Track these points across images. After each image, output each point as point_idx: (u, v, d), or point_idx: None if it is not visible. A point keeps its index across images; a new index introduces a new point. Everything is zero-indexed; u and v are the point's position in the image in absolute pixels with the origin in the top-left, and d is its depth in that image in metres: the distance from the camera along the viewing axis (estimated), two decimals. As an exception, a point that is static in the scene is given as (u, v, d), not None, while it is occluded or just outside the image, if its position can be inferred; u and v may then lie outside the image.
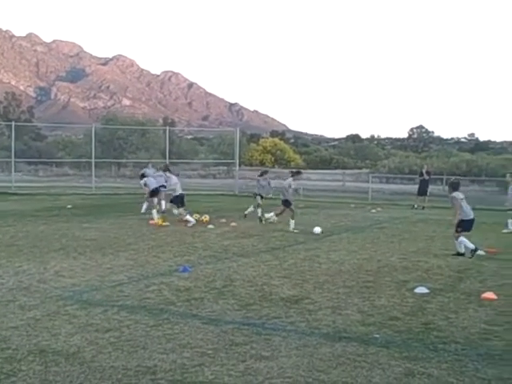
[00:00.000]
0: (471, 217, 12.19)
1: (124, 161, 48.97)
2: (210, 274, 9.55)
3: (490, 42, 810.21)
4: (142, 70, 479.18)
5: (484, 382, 5.00)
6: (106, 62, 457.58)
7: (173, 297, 7.89)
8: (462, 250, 11.99)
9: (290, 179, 16.98)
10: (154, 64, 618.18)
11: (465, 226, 12.12)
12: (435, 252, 12.49)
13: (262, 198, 18.93)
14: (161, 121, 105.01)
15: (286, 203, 16.64)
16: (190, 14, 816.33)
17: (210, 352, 5.62)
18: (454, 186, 12.51)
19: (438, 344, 6.04)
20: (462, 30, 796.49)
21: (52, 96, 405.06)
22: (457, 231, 12.13)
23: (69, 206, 21.81)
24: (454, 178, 18.30)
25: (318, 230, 15.57)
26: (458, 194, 12.24)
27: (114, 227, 15.69)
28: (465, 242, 11.96)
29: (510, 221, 17.05)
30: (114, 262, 10.48)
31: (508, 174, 18.22)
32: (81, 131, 66.95)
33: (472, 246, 11.81)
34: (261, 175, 19.64)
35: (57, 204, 23.32)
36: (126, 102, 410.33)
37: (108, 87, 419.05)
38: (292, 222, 16.13)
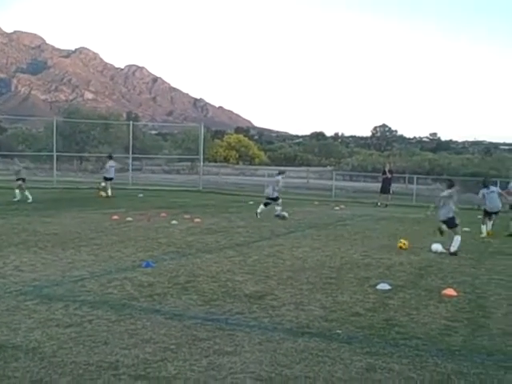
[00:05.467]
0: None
1: (86, 155, 48.35)
2: (173, 269, 9.50)
3: (451, 42, 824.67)
4: (106, 63, 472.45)
5: (444, 377, 5.09)
6: (68, 54, 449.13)
7: (135, 292, 7.82)
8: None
9: (279, 177, 19.04)
10: (117, 57, 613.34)
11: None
12: (397, 249, 12.65)
13: (278, 199, 18.80)
14: (124, 115, 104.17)
15: (276, 199, 18.70)
16: (154, 8, 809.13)
17: (172, 347, 5.59)
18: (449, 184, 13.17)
19: (400, 340, 6.12)
20: (425, 30, 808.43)
21: (12, 88, 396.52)
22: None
23: (29, 200, 21.41)
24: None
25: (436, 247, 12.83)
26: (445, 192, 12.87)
27: (75, 222, 15.47)
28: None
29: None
30: (75, 256, 10.34)
31: None
32: (42, 124, 65.66)
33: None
34: (279, 174, 19.61)
35: (17, 198, 22.84)
36: (89, 95, 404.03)
37: (70, 80, 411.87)
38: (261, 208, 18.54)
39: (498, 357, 5.69)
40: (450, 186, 12.92)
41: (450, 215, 12.47)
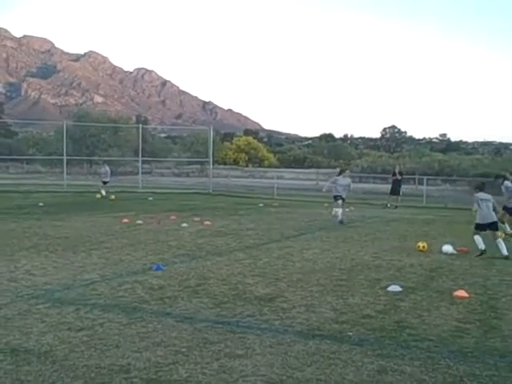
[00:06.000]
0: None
1: (96, 158, 48.54)
2: (183, 272, 9.51)
3: (459, 42, 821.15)
4: (115, 66, 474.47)
5: (456, 379, 5.06)
6: (77, 58, 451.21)
7: (146, 295, 7.83)
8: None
9: (348, 178, 18.80)
10: (126, 61, 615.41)
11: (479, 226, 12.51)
12: (408, 251, 12.61)
13: (343, 200, 18.29)
14: (134, 118, 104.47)
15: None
16: (163, 11, 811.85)
17: (183, 350, 5.60)
18: (480, 187, 12.87)
19: (411, 342, 6.09)
20: (433, 31, 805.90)
21: (22, 92, 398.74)
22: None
23: (40, 204, 21.55)
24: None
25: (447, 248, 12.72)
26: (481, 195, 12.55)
27: (86, 225, 15.54)
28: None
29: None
30: (86, 260, 10.38)
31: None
32: (52, 128, 66.01)
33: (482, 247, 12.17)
34: (339, 174, 19.12)
35: (28, 202, 23.02)
36: (98, 99, 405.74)
37: (80, 84, 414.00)
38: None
39: (511, 358, 5.65)
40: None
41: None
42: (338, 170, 21.89)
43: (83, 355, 5.39)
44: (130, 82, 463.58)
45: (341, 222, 17.76)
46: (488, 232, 12.40)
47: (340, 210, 17.97)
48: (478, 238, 12.31)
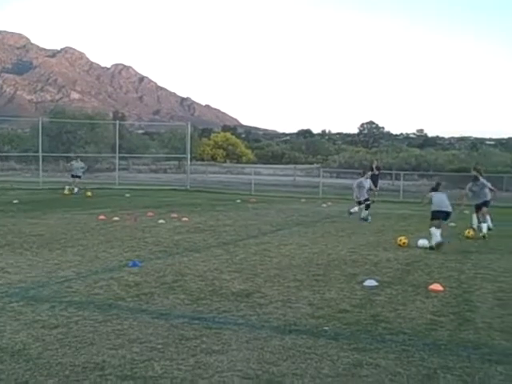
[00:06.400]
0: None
1: (73, 155, 48.06)
2: (160, 268, 9.47)
3: (436, 38, 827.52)
4: (92, 62, 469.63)
5: (430, 371, 5.11)
6: (53, 54, 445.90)
7: (122, 292, 7.78)
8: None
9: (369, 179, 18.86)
10: (104, 57, 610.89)
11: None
12: (384, 245, 12.71)
13: (362, 203, 18.17)
14: (111, 115, 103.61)
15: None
16: (141, 6, 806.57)
17: (159, 347, 5.57)
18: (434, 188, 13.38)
19: (386, 335, 6.14)
20: (409, 27, 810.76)
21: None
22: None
23: (15, 201, 21.28)
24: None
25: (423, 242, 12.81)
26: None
27: (61, 222, 15.39)
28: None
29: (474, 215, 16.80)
30: (61, 257, 10.28)
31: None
32: (27, 125, 65.32)
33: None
34: (363, 174, 18.95)
35: (2, 199, 22.71)
36: (75, 95, 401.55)
37: (56, 80, 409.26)
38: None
39: (484, 350, 5.73)
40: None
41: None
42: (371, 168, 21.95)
43: (57, 353, 5.34)
44: (107, 78, 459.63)
45: (365, 220, 17.92)
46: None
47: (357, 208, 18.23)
48: (435, 232, 12.45)
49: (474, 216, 15.62)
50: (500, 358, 5.53)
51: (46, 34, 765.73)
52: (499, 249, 12.72)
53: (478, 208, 15.41)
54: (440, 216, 12.69)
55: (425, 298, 7.90)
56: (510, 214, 22.35)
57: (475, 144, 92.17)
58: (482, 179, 15.52)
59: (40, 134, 32.43)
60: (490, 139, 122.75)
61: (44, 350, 5.39)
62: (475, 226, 15.44)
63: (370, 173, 19.82)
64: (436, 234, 12.37)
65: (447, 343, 5.91)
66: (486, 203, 15.44)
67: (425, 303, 7.60)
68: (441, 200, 12.90)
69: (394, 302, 7.60)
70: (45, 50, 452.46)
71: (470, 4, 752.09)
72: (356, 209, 18.21)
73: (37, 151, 33.34)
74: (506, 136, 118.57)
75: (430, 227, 12.60)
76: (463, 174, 26.10)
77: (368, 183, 18.58)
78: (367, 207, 18.16)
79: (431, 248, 12.26)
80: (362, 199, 18.07)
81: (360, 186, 18.22)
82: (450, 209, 12.88)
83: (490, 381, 4.97)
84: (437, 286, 8.43)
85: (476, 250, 12.45)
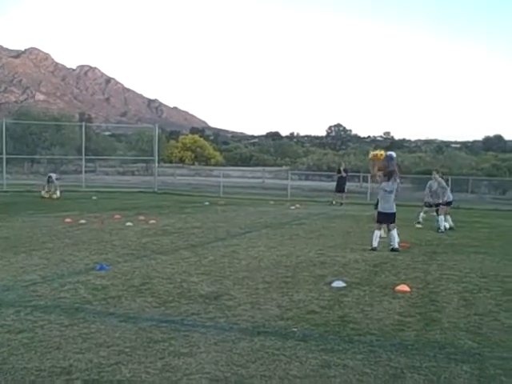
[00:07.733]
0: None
1: (37, 157, 47.44)
2: (127, 271, 9.38)
3: (402, 43, 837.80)
4: (57, 63, 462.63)
5: (397, 371, 5.16)
6: (18, 54, 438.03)
7: (89, 296, 7.69)
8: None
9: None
10: (69, 58, 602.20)
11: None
12: (352, 247, 12.80)
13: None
14: (77, 116, 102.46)
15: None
16: (106, 8, 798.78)
17: (127, 350, 5.52)
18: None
19: (354, 336, 6.19)
20: (375, 30, 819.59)
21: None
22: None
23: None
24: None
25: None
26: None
27: (26, 225, 15.15)
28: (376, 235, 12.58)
29: (421, 215, 17.81)
30: (26, 261, 10.11)
31: (434, 172, 18.09)
32: (-9, 126, 64.10)
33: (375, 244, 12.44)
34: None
35: (-35, 202, 22.28)
36: (40, 96, 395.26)
37: (20, 81, 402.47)
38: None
39: (450, 350, 5.81)
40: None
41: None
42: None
43: (23, 358, 5.25)
44: (72, 79, 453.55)
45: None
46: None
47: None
48: (376, 234, 12.60)
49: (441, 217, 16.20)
50: (465, 357, 5.61)
51: (10, 35, 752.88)
52: (465, 250, 12.92)
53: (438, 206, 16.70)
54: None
55: (392, 298, 7.98)
56: (476, 215, 22.76)
57: (441, 147, 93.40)
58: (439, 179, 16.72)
59: (4, 136, 31.90)
60: (456, 142, 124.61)
61: (9, 355, 5.29)
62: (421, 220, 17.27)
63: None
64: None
65: (414, 343, 5.98)
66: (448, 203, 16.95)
67: (392, 304, 7.68)
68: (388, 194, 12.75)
69: (361, 303, 7.66)
70: (8, 50, 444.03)
71: (438, 7, 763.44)
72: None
73: (0, 153, 32.75)
74: (471, 139, 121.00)
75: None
76: (428, 177, 26.44)
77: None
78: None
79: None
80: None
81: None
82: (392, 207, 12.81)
83: (455, 380, 5.04)
84: (404, 287, 8.53)
85: (442, 251, 12.62)
